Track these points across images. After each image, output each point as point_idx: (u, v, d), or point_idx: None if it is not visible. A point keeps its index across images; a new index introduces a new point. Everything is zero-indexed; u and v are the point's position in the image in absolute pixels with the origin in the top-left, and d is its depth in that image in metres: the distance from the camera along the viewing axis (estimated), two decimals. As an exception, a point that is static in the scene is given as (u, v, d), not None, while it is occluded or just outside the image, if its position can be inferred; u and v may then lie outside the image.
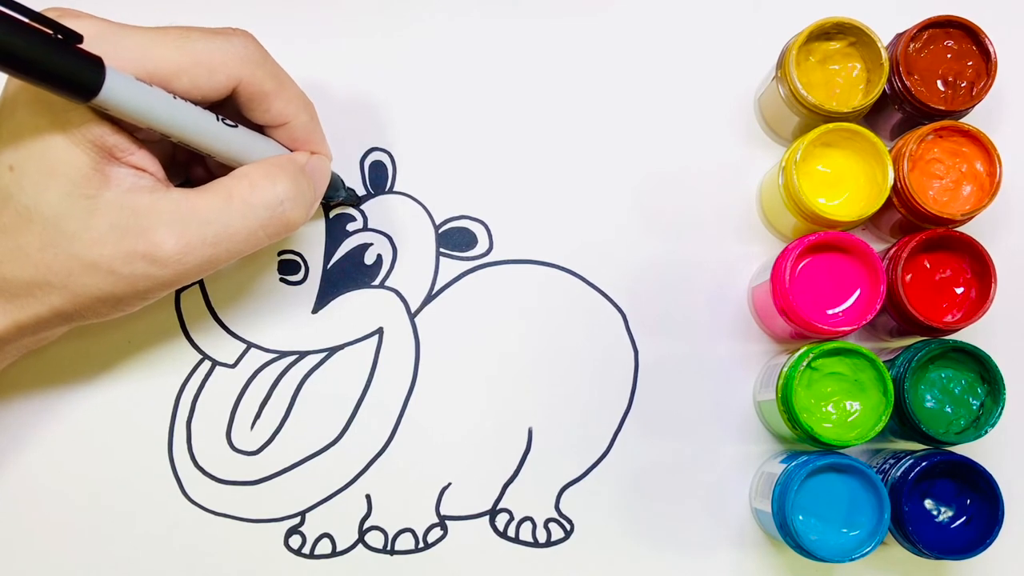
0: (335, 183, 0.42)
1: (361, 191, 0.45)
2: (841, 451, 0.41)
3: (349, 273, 0.45)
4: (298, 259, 0.44)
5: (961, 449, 0.42)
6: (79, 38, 0.31)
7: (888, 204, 0.41)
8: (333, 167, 0.42)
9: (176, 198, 0.35)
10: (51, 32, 0.30)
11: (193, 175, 0.41)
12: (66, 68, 0.30)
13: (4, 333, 0.36)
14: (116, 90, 0.32)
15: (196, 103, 0.35)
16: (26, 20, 0.30)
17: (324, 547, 0.43)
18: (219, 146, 0.36)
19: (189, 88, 0.34)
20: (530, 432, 0.44)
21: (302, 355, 0.44)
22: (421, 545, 0.43)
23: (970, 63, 0.41)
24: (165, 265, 0.34)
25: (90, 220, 0.33)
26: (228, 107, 0.37)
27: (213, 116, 0.36)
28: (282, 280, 0.44)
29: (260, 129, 0.38)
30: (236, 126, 0.37)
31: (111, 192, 0.34)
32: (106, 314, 0.37)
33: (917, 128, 0.41)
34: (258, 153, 0.37)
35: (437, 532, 0.44)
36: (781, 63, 0.42)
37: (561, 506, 0.44)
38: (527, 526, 0.44)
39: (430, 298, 0.45)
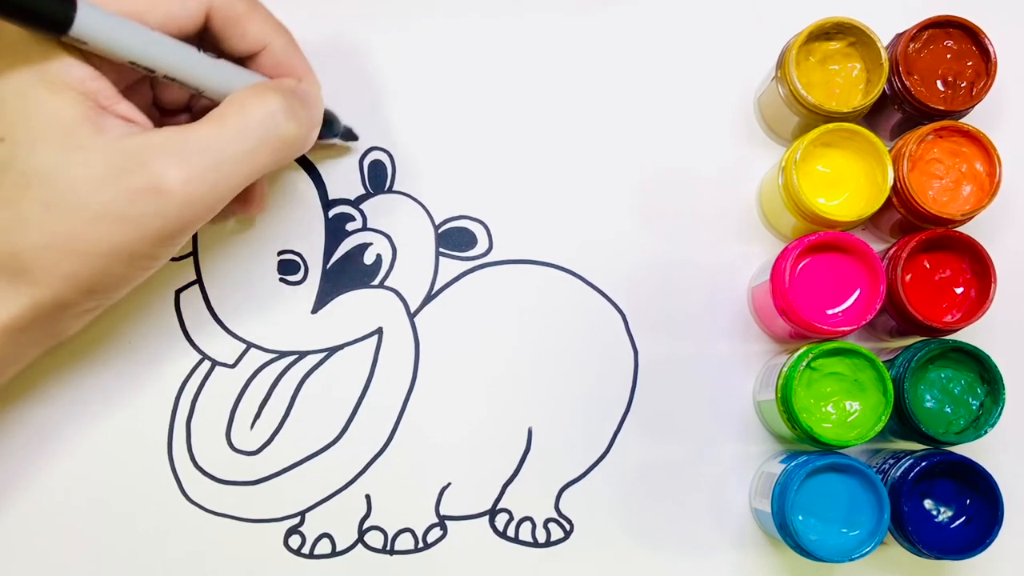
0: (329, 117, 0.42)
1: (360, 191, 0.45)
2: (841, 451, 0.41)
3: (349, 273, 0.45)
4: (298, 259, 0.44)
5: (961, 449, 0.42)
6: None
7: (888, 204, 0.41)
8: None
9: (170, 132, 0.34)
10: None
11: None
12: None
13: (20, 318, 0.34)
14: (90, 20, 0.31)
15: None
16: None
17: (324, 547, 0.43)
18: (203, 76, 0.36)
19: (164, 20, 0.34)
20: (530, 432, 0.44)
21: (302, 355, 0.44)
22: (421, 545, 0.43)
23: (970, 63, 0.41)
24: (172, 195, 0.33)
25: (85, 169, 0.33)
26: (205, 44, 0.37)
27: (193, 47, 0.36)
28: (282, 280, 0.44)
29: (242, 64, 0.38)
30: (218, 57, 0.37)
31: (103, 139, 0.33)
32: (124, 277, 0.35)
33: (917, 128, 0.41)
34: (243, 83, 0.37)
35: (437, 532, 0.44)
36: (781, 63, 0.42)
37: (561, 506, 0.44)
38: (527, 526, 0.44)
39: (430, 298, 0.45)
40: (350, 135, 0.44)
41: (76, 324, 0.38)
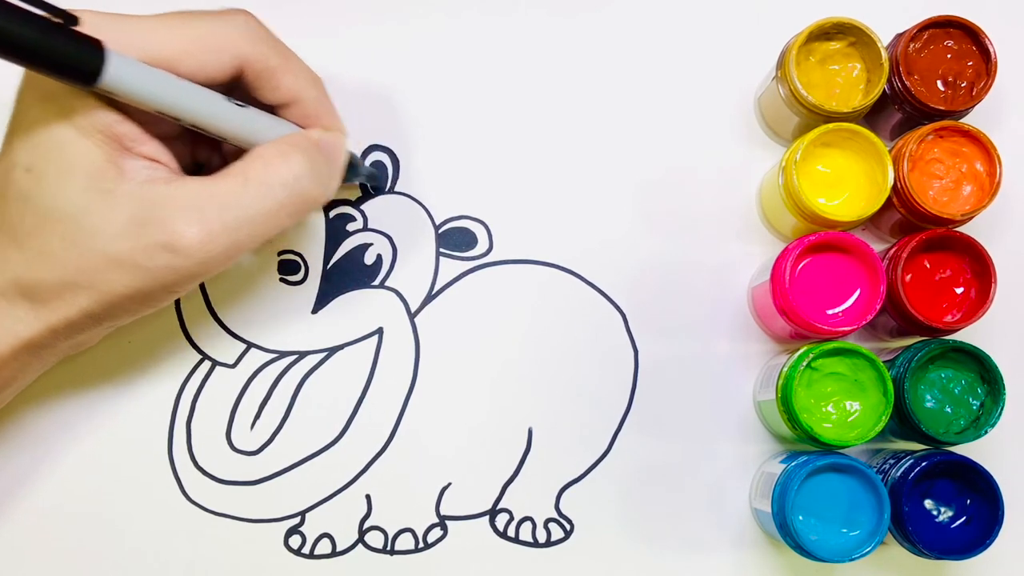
0: (353, 161, 0.42)
1: (360, 192, 0.45)
2: (841, 451, 0.41)
3: (349, 273, 0.45)
4: (298, 259, 0.44)
5: (961, 449, 0.42)
6: (75, 20, 0.31)
7: (888, 204, 0.41)
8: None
9: (193, 187, 0.34)
10: (48, 16, 0.30)
11: (210, 169, 0.41)
12: (65, 51, 0.30)
13: (38, 337, 0.35)
14: (119, 73, 0.31)
15: (204, 86, 0.35)
16: (23, 5, 0.30)
17: (324, 547, 0.43)
18: (230, 127, 0.35)
19: (195, 71, 0.34)
20: (530, 432, 0.44)
21: (302, 355, 0.44)
22: (421, 545, 0.43)
23: (970, 63, 0.41)
24: (188, 256, 0.34)
25: (109, 214, 0.33)
26: (237, 91, 0.37)
27: (222, 96, 0.35)
28: (282, 280, 0.44)
29: (271, 111, 0.38)
30: (245, 106, 0.36)
31: (127, 184, 0.34)
32: (136, 311, 0.36)
33: (917, 128, 0.41)
34: (271, 133, 0.37)
35: (437, 532, 0.44)
36: (781, 63, 0.42)
37: (561, 506, 0.44)
38: (527, 526, 0.44)
39: (430, 298, 0.45)
40: (374, 180, 0.44)
41: (93, 340, 0.39)
